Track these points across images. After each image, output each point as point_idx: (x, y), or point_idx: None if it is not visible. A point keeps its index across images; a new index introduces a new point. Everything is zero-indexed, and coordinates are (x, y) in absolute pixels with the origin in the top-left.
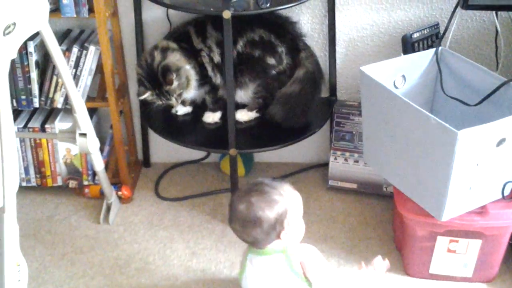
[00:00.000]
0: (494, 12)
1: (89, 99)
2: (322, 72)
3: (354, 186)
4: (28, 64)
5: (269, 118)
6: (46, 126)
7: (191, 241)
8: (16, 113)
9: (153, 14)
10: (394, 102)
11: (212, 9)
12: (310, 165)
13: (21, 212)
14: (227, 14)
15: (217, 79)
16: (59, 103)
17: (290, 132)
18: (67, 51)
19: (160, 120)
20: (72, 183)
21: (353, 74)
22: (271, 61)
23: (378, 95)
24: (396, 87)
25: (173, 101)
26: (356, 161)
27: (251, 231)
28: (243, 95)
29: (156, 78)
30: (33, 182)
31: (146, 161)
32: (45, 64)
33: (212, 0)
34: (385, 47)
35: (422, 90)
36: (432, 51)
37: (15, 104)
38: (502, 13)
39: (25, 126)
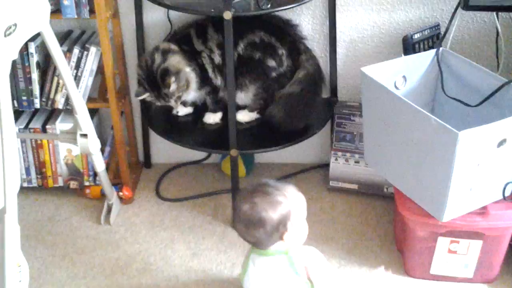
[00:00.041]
0: (494, 13)
1: (90, 100)
2: (322, 74)
3: (355, 186)
4: (29, 65)
5: (269, 118)
6: (47, 127)
7: (192, 242)
8: (17, 114)
9: (154, 15)
10: (395, 102)
11: (213, 10)
12: (311, 165)
13: (22, 213)
14: (228, 15)
15: (218, 81)
16: (60, 104)
17: (291, 133)
18: (68, 52)
19: (161, 121)
20: (73, 184)
21: (354, 75)
22: (272, 63)
23: (378, 95)
24: (396, 88)
25: (172, 103)
26: (357, 162)
27: (254, 232)
28: (243, 97)
29: (155, 80)
30: (34, 183)
31: (147, 162)
32: (46, 65)
33: (213, 1)
34: (385, 48)
35: (423, 91)
36: (432, 52)
37: (16, 105)
38: (503, 14)
39: (26, 126)
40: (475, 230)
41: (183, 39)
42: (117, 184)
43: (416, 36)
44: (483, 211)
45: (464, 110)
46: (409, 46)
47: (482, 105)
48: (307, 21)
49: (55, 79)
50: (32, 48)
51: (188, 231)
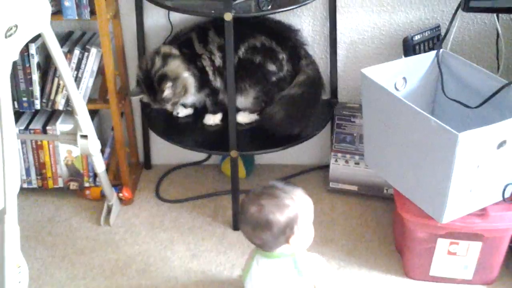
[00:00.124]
0: (495, 14)
1: (90, 101)
2: (322, 80)
3: (355, 188)
4: (29, 66)
5: (268, 118)
6: (48, 128)
7: (191, 243)
8: (18, 115)
9: (155, 17)
10: (395, 104)
11: (213, 11)
12: (311, 167)
13: (22, 214)
14: (228, 16)
15: (217, 83)
16: (60, 105)
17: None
18: (68, 53)
19: (161, 122)
20: (73, 185)
21: (354, 76)
22: (272, 67)
23: (379, 97)
24: (397, 89)
25: (168, 107)
26: (357, 163)
27: (261, 234)
28: (243, 100)
29: (152, 84)
30: (34, 184)
31: (147, 163)
32: (47, 66)
33: (214, 2)
34: (386, 49)
35: (423, 92)
36: (433, 53)
37: (16, 106)
38: (503, 16)
39: (27, 128)
40: (474, 232)
41: (185, 43)
42: (117, 185)
43: (417, 37)
44: (482, 213)
45: (464, 112)
46: (410, 48)
47: (482, 107)
48: (307, 23)
49: (56, 80)
50: (32, 49)
51: (188, 232)
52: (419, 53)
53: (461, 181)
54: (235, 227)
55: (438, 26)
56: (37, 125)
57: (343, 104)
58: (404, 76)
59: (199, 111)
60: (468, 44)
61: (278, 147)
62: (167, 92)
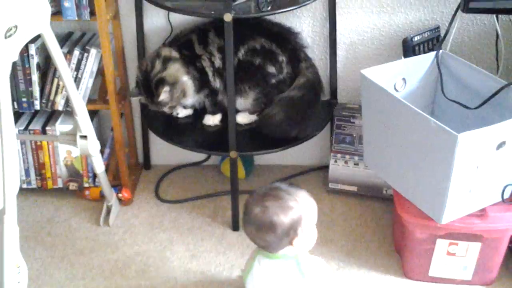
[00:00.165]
0: (494, 15)
1: (90, 101)
2: (322, 83)
3: (354, 188)
4: (29, 66)
5: (267, 119)
6: (47, 128)
7: (191, 244)
8: (17, 115)
9: (154, 18)
10: (395, 105)
11: (213, 12)
12: (311, 167)
13: (22, 214)
14: (228, 17)
15: (217, 83)
16: (60, 105)
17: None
18: (68, 54)
19: (161, 123)
20: (73, 185)
21: (354, 77)
22: (271, 69)
23: (378, 98)
24: (396, 90)
25: (166, 110)
26: (356, 164)
27: (265, 236)
28: (242, 102)
29: (150, 87)
30: (34, 184)
31: (147, 164)
32: (47, 67)
33: (214, 3)
34: (385, 50)
35: (423, 93)
36: (432, 54)
37: (16, 106)
38: (503, 17)
39: (26, 128)
40: (474, 232)
41: (185, 44)
42: (116, 185)
43: (416, 38)
44: (482, 213)
45: (463, 113)
46: (409, 49)
47: (481, 108)
48: (307, 23)
49: (55, 80)
50: (32, 49)
51: (187, 232)
52: (419, 54)
53: (461, 181)
54: (235, 228)
55: (438, 27)
56: (36, 125)
57: (343, 105)
58: (404, 77)
59: (199, 112)
60: (468, 45)
61: (278, 147)
62: (164, 96)
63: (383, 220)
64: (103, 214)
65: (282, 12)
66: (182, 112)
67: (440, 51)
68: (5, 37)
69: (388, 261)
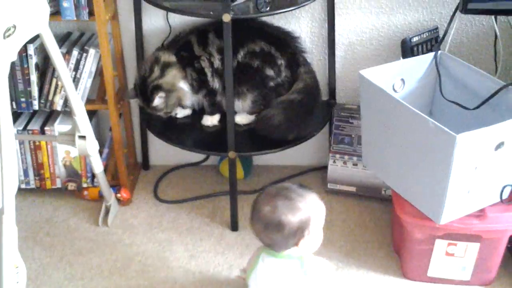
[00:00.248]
0: (493, 16)
1: (88, 101)
2: (319, 89)
3: (353, 189)
4: (28, 66)
5: (265, 121)
6: (46, 128)
7: (189, 244)
8: (16, 116)
9: (153, 18)
10: (393, 105)
11: (212, 13)
12: (309, 168)
13: (20, 214)
14: (227, 18)
15: (216, 84)
16: (58, 105)
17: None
18: (67, 54)
19: (160, 123)
20: (71, 185)
21: (353, 78)
22: (270, 72)
23: (377, 98)
24: (395, 91)
25: (161, 115)
26: (355, 164)
27: (272, 235)
28: (240, 104)
29: (146, 91)
30: (32, 184)
31: (145, 164)
32: (45, 67)
33: (212, 4)
34: (384, 50)
35: (421, 94)
36: (431, 55)
37: (14, 106)
38: (501, 18)
39: (25, 128)
40: (472, 233)
41: (184, 46)
42: (115, 185)
43: (415, 39)
44: (480, 214)
45: (462, 113)
46: (408, 49)
47: (480, 108)
48: (306, 24)
49: (54, 80)
50: (31, 49)
51: (186, 233)
52: (417, 54)
53: (459, 182)
54: (233, 228)
55: (436, 28)
56: (35, 125)
57: (341, 106)
58: (402, 77)
59: (197, 112)
60: (466, 45)
61: (276, 148)
62: (158, 102)
63: (382, 221)
64: (101, 214)
65: (280, 12)
66: (180, 113)
67: (439, 52)
68: (4, 37)
69: (387, 261)
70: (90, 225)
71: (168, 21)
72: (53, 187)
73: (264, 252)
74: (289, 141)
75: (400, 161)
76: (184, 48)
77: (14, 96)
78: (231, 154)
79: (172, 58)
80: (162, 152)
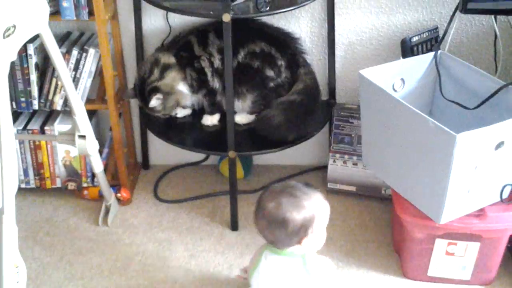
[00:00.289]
0: (493, 16)
1: (88, 101)
2: (319, 90)
3: (353, 188)
4: (27, 66)
5: (266, 120)
6: (46, 128)
7: (189, 243)
8: (16, 115)
9: (153, 18)
10: (393, 105)
11: (212, 13)
12: (309, 167)
13: (20, 214)
14: (227, 17)
15: (215, 83)
16: (58, 105)
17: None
18: (67, 54)
19: (159, 122)
20: (71, 185)
21: (352, 77)
22: (270, 73)
23: (377, 98)
24: (395, 91)
25: (159, 116)
26: (355, 164)
27: (275, 231)
28: (240, 104)
29: (145, 92)
30: (32, 184)
31: (145, 163)
32: (45, 66)
33: (212, 3)
34: (384, 50)
35: (421, 94)
36: (431, 54)
37: (14, 106)
38: (501, 17)
39: (25, 128)
40: (472, 232)
41: (184, 46)
42: (115, 185)
43: (415, 39)
44: (480, 213)
45: (462, 113)
46: (408, 49)
47: (480, 108)
48: (305, 24)
49: (54, 80)
50: (31, 49)
51: (186, 232)
52: (417, 54)
53: (459, 181)
54: (233, 228)
55: (436, 28)
56: (35, 125)
57: (341, 105)
58: (402, 77)
59: (197, 112)
60: (466, 45)
61: (276, 148)
62: (155, 103)
63: (382, 220)
64: (101, 214)
65: (280, 12)
66: (180, 112)
67: (439, 51)
68: (4, 37)
69: (387, 261)
70: (90, 225)
71: (168, 21)
72: (53, 186)
73: (267, 250)
74: (289, 141)
75: (400, 161)
76: (184, 48)
77: (14, 95)
78: (231, 153)
79: (172, 60)
80: (162, 152)
